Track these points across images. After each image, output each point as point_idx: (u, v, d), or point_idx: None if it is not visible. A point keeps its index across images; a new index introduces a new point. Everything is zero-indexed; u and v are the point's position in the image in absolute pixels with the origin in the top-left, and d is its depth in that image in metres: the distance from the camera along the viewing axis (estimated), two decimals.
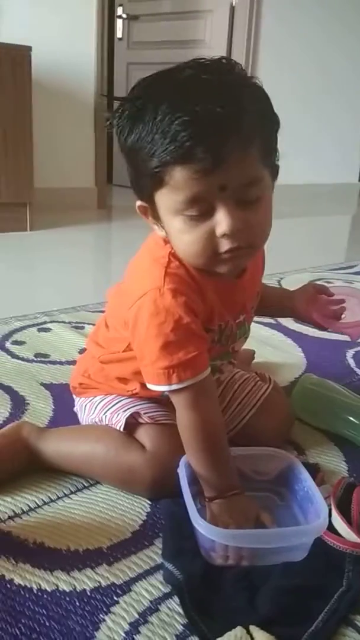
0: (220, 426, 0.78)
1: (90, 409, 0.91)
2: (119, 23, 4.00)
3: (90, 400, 0.92)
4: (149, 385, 0.76)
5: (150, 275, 0.75)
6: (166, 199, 0.68)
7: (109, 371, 0.89)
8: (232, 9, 3.46)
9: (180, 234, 0.70)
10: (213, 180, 0.65)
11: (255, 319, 1.55)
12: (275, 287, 0.90)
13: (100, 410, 0.89)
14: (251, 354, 1.25)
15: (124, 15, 3.95)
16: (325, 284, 1.08)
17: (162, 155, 0.64)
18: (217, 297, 0.77)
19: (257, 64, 3.54)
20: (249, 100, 0.66)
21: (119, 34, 4.02)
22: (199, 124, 0.62)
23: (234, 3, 3.45)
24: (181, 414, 0.76)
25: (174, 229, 0.70)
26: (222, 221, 0.67)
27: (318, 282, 2.00)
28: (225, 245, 0.68)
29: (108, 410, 0.87)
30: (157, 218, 0.73)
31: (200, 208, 0.67)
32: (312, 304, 0.95)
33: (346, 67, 3.93)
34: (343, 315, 0.95)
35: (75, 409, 0.97)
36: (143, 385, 0.82)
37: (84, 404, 0.93)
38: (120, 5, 3.95)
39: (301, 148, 3.91)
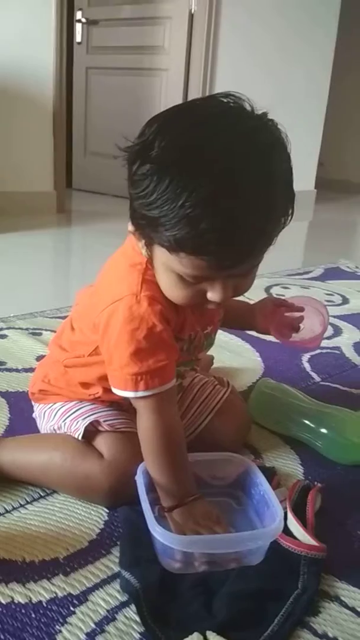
0: (180, 433, 0.78)
1: (50, 416, 0.90)
2: (78, 27, 3.97)
3: (50, 407, 0.91)
4: (115, 390, 0.76)
5: (127, 280, 0.75)
6: (166, 259, 0.67)
7: (72, 375, 0.88)
8: (191, 16, 3.49)
9: (170, 286, 0.71)
10: (224, 272, 0.66)
11: None
12: (238, 300, 0.93)
13: (59, 417, 0.88)
14: (210, 359, 1.26)
15: (83, 20, 3.93)
16: (282, 294, 1.09)
17: (179, 240, 0.62)
18: (189, 310, 0.78)
19: (215, 70, 3.58)
20: (283, 197, 0.65)
21: (78, 38, 3.99)
22: (233, 234, 0.61)
23: (192, 10, 3.48)
24: (142, 420, 0.76)
25: (165, 278, 0.70)
26: (216, 292, 0.68)
27: (275, 287, 2.03)
28: (212, 304, 0.71)
29: (68, 417, 0.86)
30: (148, 246, 0.71)
31: (199, 279, 0.68)
32: (270, 318, 0.96)
33: (302, 75, 4.02)
34: (302, 325, 0.96)
35: (34, 415, 0.95)
36: (106, 390, 0.81)
37: (43, 411, 0.92)
38: (80, 9, 3.93)
39: None
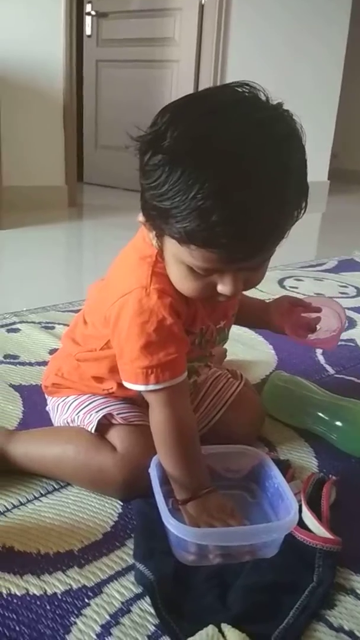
0: (192, 426, 0.78)
1: (63, 409, 0.90)
2: (88, 20, 3.96)
3: (63, 400, 0.91)
4: (126, 384, 0.76)
5: (136, 273, 0.74)
6: (177, 251, 0.66)
7: (84, 369, 0.88)
8: (202, 7, 3.46)
9: (180, 278, 0.70)
10: (235, 265, 0.65)
11: None
12: (253, 298, 0.94)
13: (73, 410, 0.88)
14: (223, 351, 1.25)
15: (93, 12, 3.92)
16: (296, 287, 1.08)
17: (190, 233, 0.60)
18: (200, 303, 0.78)
19: (226, 62, 3.56)
20: (297, 188, 0.63)
21: (87, 31, 3.98)
22: (247, 228, 0.60)
23: (203, 1, 3.45)
24: (155, 413, 0.76)
25: (175, 270, 0.70)
26: (226, 285, 0.67)
27: (289, 279, 2.02)
28: (222, 297, 0.70)
29: (81, 410, 0.86)
30: (158, 237, 0.70)
31: (209, 272, 0.67)
32: (286, 317, 0.94)
33: (312, 67, 3.97)
34: (318, 326, 0.94)
35: (47, 409, 0.96)
36: (120, 384, 0.81)
37: (56, 404, 0.92)
38: (89, 2, 3.91)
39: None
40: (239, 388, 0.96)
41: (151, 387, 0.73)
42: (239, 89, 0.64)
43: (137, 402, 0.85)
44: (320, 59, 4.00)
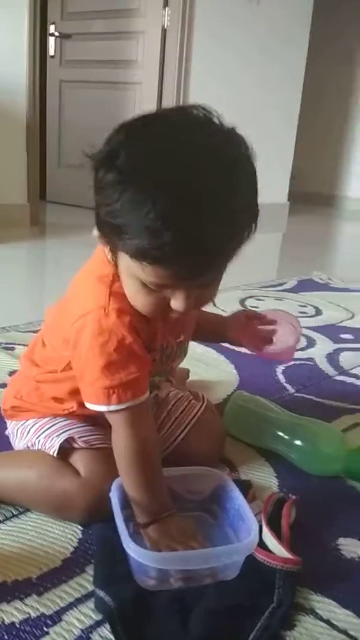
0: (155, 447, 0.78)
1: (23, 433, 0.88)
2: (52, 41, 3.98)
3: (23, 424, 0.89)
4: (88, 405, 0.76)
5: (94, 294, 0.75)
6: (130, 266, 0.67)
7: (44, 390, 0.87)
8: (164, 31, 3.53)
9: (134, 292, 0.71)
10: (184, 282, 0.66)
11: None
12: (210, 312, 0.96)
13: (33, 434, 0.86)
14: (185, 372, 1.26)
15: (57, 34, 3.94)
16: (257, 306, 1.11)
17: (141, 250, 0.62)
18: (160, 319, 0.78)
19: (188, 84, 3.62)
20: (246, 208, 0.65)
21: (51, 51, 4.00)
22: (197, 244, 0.61)
23: (165, 25, 3.52)
24: (117, 434, 0.76)
25: (129, 284, 0.71)
26: (178, 302, 0.68)
27: (250, 299, 2.05)
28: (175, 313, 0.70)
29: (41, 434, 0.85)
30: (112, 252, 0.71)
31: (161, 288, 0.68)
32: (243, 330, 0.97)
33: (273, 91, 4.08)
34: (275, 338, 0.97)
35: (6, 433, 0.94)
36: (80, 404, 0.81)
37: (15, 428, 0.91)
38: (53, 23, 3.94)
39: None
40: (201, 410, 0.97)
41: (113, 407, 0.73)
42: (194, 111, 0.65)
43: (99, 422, 0.85)
44: (279, 81, 4.11)
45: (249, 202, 0.65)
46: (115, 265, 0.72)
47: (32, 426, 0.87)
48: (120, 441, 0.76)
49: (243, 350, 1.49)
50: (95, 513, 0.78)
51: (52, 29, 3.94)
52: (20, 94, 3.02)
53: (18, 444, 0.90)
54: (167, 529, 0.74)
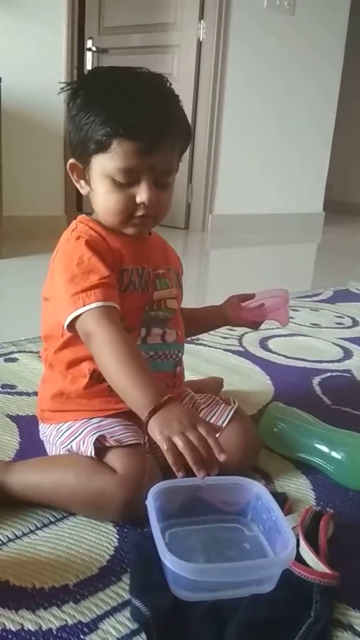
0: (129, 340, 0.82)
1: (57, 435, 0.91)
2: (89, 55, 4.06)
3: (57, 428, 0.91)
4: (65, 323, 0.82)
5: (61, 241, 0.90)
6: (103, 163, 0.84)
7: (57, 365, 0.92)
8: (200, 44, 3.56)
9: (106, 193, 0.86)
10: (147, 160, 0.83)
11: (223, 347, 1.56)
12: (205, 306, 1.13)
13: (67, 437, 0.88)
14: (220, 382, 1.26)
15: (94, 48, 4.02)
16: (292, 317, 1.17)
17: (116, 128, 0.81)
18: (122, 245, 0.90)
19: (223, 97, 3.64)
20: (182, 115, 0.89)
21: (88, 66, 4.08)
22: (151, 118, 0.82)
23: (201, 38, 3.56)
24: (95, 338, 0.80)
25: (102, 188, 0.86)
26: (143, 192, 0.84)
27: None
28: (139, 211, 0.86)
29: (75, 438, 0.87)
30: (83, 178, 0.90)
31: (129, 178, 0.84)
32: (239, 308, 1.09)
33: (308, 103, 4.06)
34: (266, 304, 1.10)
35: (41, 437, 0.96)
36: (95, 370, 0.86)
37: (50, 431, 0.93)
38: (90, 38, 4.02)
39: (271, 180, 4.01)
40: (231, 413, 0.97)
41: (81, 309, 0.81)
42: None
43: (127, 418, 0.87)
44: (314, 93, 4.10)
45: (182, 111, 0.89)
46: (83, 178, 0.89)
47: (66, 430, 0.89)
48: (100, 341, 0.80)
49: (278, 360, 1.49)
50: (133, 510, 0.79)
51: (89, 43, 4.03)
52: (58, 109, 3.08)
53: (52, 446, 0.91)
54: (172, 414, 0.72)
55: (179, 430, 0.71)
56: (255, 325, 1.13)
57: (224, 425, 0.95)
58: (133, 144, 0.81)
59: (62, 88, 0.90)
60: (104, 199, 0.87)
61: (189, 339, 1.20)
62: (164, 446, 0.70)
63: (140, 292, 0.91)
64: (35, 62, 2.96)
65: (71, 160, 0.90)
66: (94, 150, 0.84)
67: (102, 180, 0.85)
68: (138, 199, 0.85)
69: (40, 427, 0.97)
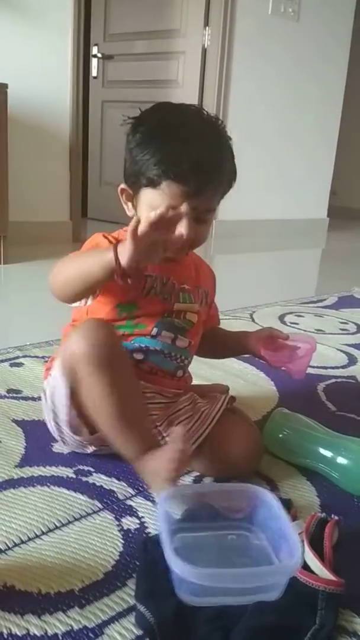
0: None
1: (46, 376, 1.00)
2: (94, 62, 4.09)
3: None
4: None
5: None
6: (151, 197, 0.91)
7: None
8: (204, 51, 3.58)
9: None
10: (191, 202, 0.90)
11: None
12: (236, 330, 1.15)
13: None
14: (225, 389, 1.26)
15: (99, 55, 4.05)
16: (296, 322, 1.15)
17: (167, 171, 0.88)
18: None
19: (228, 103, 3.65)
20: (231, 161, 0.94)
21: (94, 72, 4.11)
22: (201, 167, 0.88)
23: (206, 45, 3.57)
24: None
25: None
26: (183, 228, 0.90)
27: (289, 315, 2.04)
28: (178, 243, 0.91)
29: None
30: (131, 201, 0.97)
31: (172, 212, 0.86)
32: (264, 341, 1.08)
33: (313, 109, 4.08)
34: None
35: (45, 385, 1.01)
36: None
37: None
38: (96, 44, 4.05)
39: (275, 186, 4.02)
40: (224, 402, 1.01)
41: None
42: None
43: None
44: (319, 99, 4.11)
45: (231, 156, 0.94)
46: (131, 201, 0.96)
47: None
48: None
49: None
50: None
51: (94, 50, 4.05)
52: (63, 115, 3.11)
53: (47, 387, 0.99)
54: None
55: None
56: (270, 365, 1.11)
57: (217, 414, 0.99)
58: (181, 188, 0.88)
59: (124, 120, 0.95)
60: None
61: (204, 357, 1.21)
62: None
63: (161, 299, 0.99)
64: (42, 68, 2.98)
65: (122, 185, 0.97)
66: (145, 184, 0.91)
67: (148, 210, 0.88)
68: (178, 231, 0.90)
69: (44, 383, 1.02)
